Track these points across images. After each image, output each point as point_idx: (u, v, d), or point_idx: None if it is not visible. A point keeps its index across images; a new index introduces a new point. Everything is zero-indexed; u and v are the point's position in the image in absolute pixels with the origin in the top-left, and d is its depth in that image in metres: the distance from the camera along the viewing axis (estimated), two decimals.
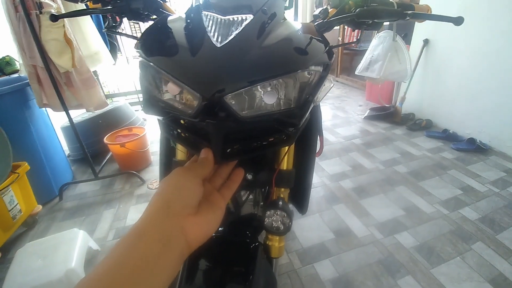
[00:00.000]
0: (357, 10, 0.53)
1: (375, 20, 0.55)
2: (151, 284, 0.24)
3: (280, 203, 0.55)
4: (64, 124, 2.19)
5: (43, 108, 1.67)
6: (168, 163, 0.76)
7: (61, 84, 1.57)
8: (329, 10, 0.59)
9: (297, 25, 0.48)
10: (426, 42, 2.45)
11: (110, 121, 2.26)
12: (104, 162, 2.09)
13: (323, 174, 1.90)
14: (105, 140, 1.97)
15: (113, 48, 2.24)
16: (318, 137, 0.91)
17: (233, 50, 0.35)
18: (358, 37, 0.65)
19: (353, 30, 0.77)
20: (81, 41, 1.62)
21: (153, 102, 0.40)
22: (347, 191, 1.72)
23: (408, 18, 0.56)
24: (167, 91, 0.38)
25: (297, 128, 0.43)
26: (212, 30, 0.37)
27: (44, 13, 1.33)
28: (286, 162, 0.60)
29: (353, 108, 3.17)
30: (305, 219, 1.50)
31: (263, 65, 0.36)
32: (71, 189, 1.89)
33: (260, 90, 0.37)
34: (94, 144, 2.15)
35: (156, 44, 0.42)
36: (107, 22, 0.68)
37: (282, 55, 0.39)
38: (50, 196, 1.74)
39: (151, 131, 2.45)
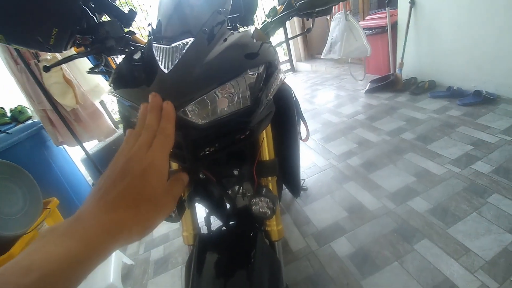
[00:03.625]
0: (297, 4, 0.57)
1: (318, 9, 0.59)
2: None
3: (263, 190, 0.61)
4: (83, 157, 2.36)
5: (60, 146, 1.82)
6: None
7: (71, 121, 1.71)
8: (277, 8, 0.64)
9: (245, 33, 0.53)
10: (412, 3, 2.38)
11: None
12: None
13: (330, 156, 1.93)
14: None
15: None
16: (302, 123, 0.95)
17: (178, 73, 0.42)
18: (311, 26, 0.69)
19: (307, 20, 0.79)
20: (80, 79, 1.75)
21: (131, 127, 0.48)
22: (355, 168, 1.74)
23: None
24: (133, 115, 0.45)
25: (257, 121, 0.49)
26: (161, 59, 0.44)
27: (41, 61, 1.46)
28: (266, 153, 0.65)
29: (353, 85, 3.14)
30: (317, 203, 1.54)
31: (208, 77, 0.43)
32: None
33: (211, 98, 0.43)
34: None
35: (123, 79, 0.49)
36: (98, 63, 0.76)
37: (224, 64, 0.45)
38: None
39: None
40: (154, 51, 0.45)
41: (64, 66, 1.56)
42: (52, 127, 1.67)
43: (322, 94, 3.21)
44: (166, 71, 0.42)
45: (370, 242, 1.24)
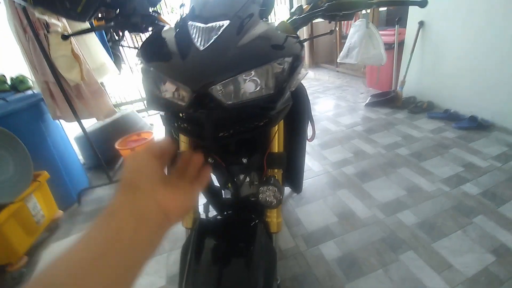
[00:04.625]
0: (326, 5, 0.59)
1: (344, 12, 0.61)
2: (128, 258, 0.24)
3: (272, 180, 0.63)
4: (77, 135, 2.32)
5: (57, 120, 1.79)
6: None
7: (72, 96, 1.68)
8: (304, 7, 0.66)
9: (272, 24, 0.55)
10: (421, 24, 2.45)
11: (120, 129, 2.38)
12: (117, 167, 2.21)
13: (326, 162, 1.96)
14: (117, 146, 2.09)
15: (117, 60, 2.36)
16: (310, 123, 0.97)
17: (213, 51, 0.43)
18: (333, 28, 0.71)
19: (329, 22, 0.82)
20: (87, 55, 1.73)
21: (154, 100, 0.49)
22: (349, 177, 1.77)
23: (374, 6, 0.62)
24: (166, 90, 0.46)
25: (276, 111, 0.51)
26: (196, 37, 0.45)
27: (51, 32, 1.44)
28: (276, 145, 0.67)
29: (354, 97, 3.19)
30: (309, 206, 1.56)
31: (240, 60, 0.44)
32: (88, 195, 2.01)
33: (240, 81, 0.44)
34: (106, 151, 2.26)
35: (153, 52, 0.51)
36: (109, 36, 0.77)
37: (256, 51, 0.47)
38: (70, 202, 1.86)
39: (158, 134, 2.56)
40: (189, 27, 0.47)
41: (73, 40, 1.54)
42: (52, 100, 1.64)
43: (323, 102, 3.25)
44: (201, 48, 0.43)
45: (358, 248, 1.26)
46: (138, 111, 3.01)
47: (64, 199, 1.80)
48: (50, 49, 1.48)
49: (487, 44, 2.00)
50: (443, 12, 2.24)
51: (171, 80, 0.45)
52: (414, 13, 2.51)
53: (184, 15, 0.53)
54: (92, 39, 1.79)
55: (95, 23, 0.77)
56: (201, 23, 0.48)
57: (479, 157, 1.75)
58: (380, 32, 3.02)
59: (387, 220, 1.39)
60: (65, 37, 0.72)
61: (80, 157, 2.33)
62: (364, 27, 2.05)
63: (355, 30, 2.15)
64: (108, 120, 2.17)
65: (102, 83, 2.25)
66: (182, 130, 0.53)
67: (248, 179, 0.74)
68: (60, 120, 1.83)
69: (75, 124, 1.78)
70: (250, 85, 0.45)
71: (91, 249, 0.23)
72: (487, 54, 2.02)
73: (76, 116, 1.71)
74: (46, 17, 1.41)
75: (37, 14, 1.40)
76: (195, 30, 0.47)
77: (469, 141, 1.93)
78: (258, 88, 0.46)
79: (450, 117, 2.25)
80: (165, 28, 0.59)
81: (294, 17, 0.64)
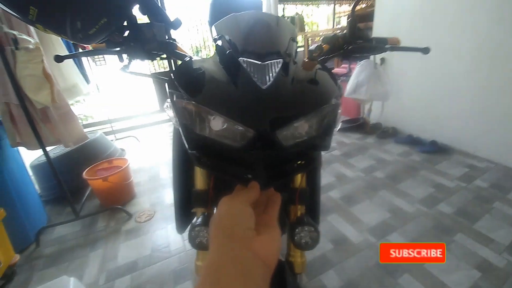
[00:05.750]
0: (350, 48, 0.63)
1: (360, 54, 0.66)
2: None
3: (305, 219, 0.60)
4: (34, 162, 2.03)
5: (16, 148, 1.55)
6: (185, 193, 0.77)
7: (37, 120, 1.48)
8: (323, 46, 0.69)
9: (314, 63, 0.56)
10: (382, 60, 2.76)
11: (87, 155, 2.15)
12: (83, 200, 1.95)
13: None
14: (84, 175, 1.85)
15: (84, 79, 2.18)
16: None
17: (274, 92, 0.41)
18: (348, 67, 0.76)
19: (341, 60, 0.91)
20: (57, 75, 1.57)
21: (199, 139, 0.44)
22: (336, 201, 1.81)
23: (387, 51, 0.68)
24: (215, 129, 0.42)
25: (319, 151, 0.50)
26: (255, 74, 0.43)
27: (20, 49, 1.28)
28: (304, 180, 0.65)
29: None
30: None
31: (300, 103, 0.44)
32: (48, 233, 1.72)
33: (297, 124, 0.43)
34: (70, 181, 2.00)
35: (197, 85, 0.46)
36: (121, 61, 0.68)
37: (311, 93, 0.47)
38: (26, 243, 1.57)
39: (133, 161, 2.36)
40: (242, 63, 0.44)
41: (45, 59, 1.39)
42: (12, 124, 1.42)
43: None
44: (263, 87, 0.41)
45: (358, 275, 1.26)
46: (106, 134, 2.76)
47: (20, 239, 1.52)
48: (16, 67, 1.31)
49: (438, 79, 2.32)
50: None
51: (228, 119, 0.41)
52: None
53: (228, 49, 0.51)
54: None
55: (92, 46, 0.70)
56: (254, 59, 0.45)
57: (446, 178, 1.94)
58: (346, 64, 3.34)
59: (378, 244, 1.43)
60: (59, 58, 0.64)
61: (36, 187, 2.02)
62: (372, 67, 2.26)
63: (361, 69, 2.32)
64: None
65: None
66: (222, 172, 0.49)
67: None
68: (19, 148, 1.58)
69: (32, 151, 1.55)
70: (303, 125, 0.44)
71: None
72: (439, 88, 2.34)
73: (41, 142, 1.49)
74: (16, 32, 1.26)
75: (5, 28, 1.24)
76: (250, 67, 0.44)
77: (434, 164, 2.15)
78: (310, 129, 0.45)
79: (414, 141, 2.49)
80: (196, 58, 0.56)
81: (315, 55, 0.67)
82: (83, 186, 2.03)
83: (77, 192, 2.02)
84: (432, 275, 1.23)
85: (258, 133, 0.40)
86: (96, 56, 3.45)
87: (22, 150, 1.65)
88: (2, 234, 1.29)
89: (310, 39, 4.99)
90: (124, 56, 0.63)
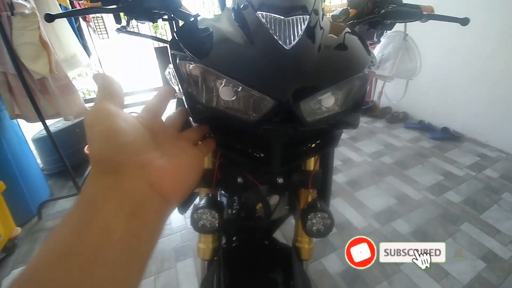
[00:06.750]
0: (382, 12, 0.55)
1: (393, 21, 0.57)
2: (122, 266, 0.18)
3: (318, 204, 0.55)
4: (35, 136, 2.00)
5: (15, 120, 1.51)
6: None
7: (35, 91, 1.42)
8: (350, 10, 0.60)
9: (343, 26, 0.47)
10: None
11: None
12: (85, 174, 1.94)
13: None
14: (86, 150, 1.83)
15: (86, 51, 2.09)
16: None
17: (300, 53, 0.34)
18: (375, 37, 0.67)
19: (367, 30, 0.80)
20: (56, 44, 1.49)
21: (206, 110, 0.37)
22: (341, 185, 1.77)
23: (424, 18, 0.59)
24: (225, 97, 0.35)
25: (345, 129, 0.44)
26: (277, 32, 0.35)
27: (16, 14, 1.20)
28: (318, 162, 0.60)
29: None
30: None
31: (328, 70, 0.36)
32: (50, 207, 1.73)
33: (322, 96, 0.36)
34: (71, 156, 1.98)
35: (205, 45, 0.39)
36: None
37: (342, 60, 0.39)
38: (28, 216, 1.58)
39: None
40: (261, 18, 0.37)
41: (41, 25, 1.30)
42: (10, 95, 1.37)
43: None
44: (287, 47, 0.34)
45: None
46: None
47: (22, 213, 1.52)
48: (12, 35, 1.23)
49: (458, 63, 2.19)
50: (421, 29, 2.39)
51: (241, 85, 0.33)
52: (398, 28, 2.66)
53: (242, 3, 0.42)
54: (63, 25, 1.55)
55: (87, 4, 0.63)
56: (277, 14, 0.37)
57: (456, 166, 1.89)
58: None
59: (383, 230, 1.41)
60: (50, 17, 0.57)
61: (39, 161, 2.01)
62: (399, 39, 1.96)
63: (388, 40, 2.06)
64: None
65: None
66: (235, 151, 0.44)
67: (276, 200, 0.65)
68: (19, 120, 1.54)
69: (35, 123, 1.51)
70: (329, 98, 0.37)
71: (68, 263, 0.16)
72: (457, 73, 2.21)
73: (40, 114, 1.45)
74: None
75: None
76: (271, 23, 0.36)
77: (444, 151, 2.08)
78: (337, 102, 0.38)
79: (424, 127, 2.41)
80: (206, 17, 0.48)
81: (341, 20, 0.59)
82: (85, 161, 2.02)
83: (79, 167, 2.00)
84: (435, 263, 1.21)
85: (278, 103, 0.33)
86: (97, 27, 3.31)
87: (23, 123, 1.61)
88: (2, 207, 1.29)
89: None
90: (122, 16, 0.57)
